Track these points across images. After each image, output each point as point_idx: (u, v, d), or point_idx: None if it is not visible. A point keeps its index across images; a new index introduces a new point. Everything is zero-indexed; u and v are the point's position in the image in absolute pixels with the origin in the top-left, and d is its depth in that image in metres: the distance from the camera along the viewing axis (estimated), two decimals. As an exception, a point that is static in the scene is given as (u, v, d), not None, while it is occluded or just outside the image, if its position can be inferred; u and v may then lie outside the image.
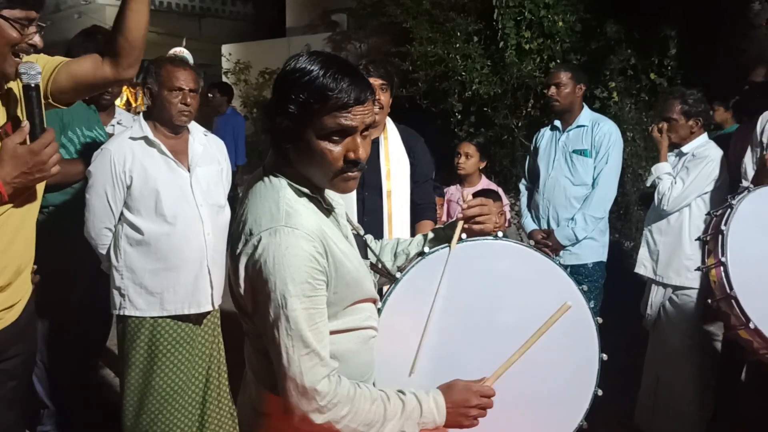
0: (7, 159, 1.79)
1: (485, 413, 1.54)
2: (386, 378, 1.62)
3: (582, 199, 3.70)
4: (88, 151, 3.22)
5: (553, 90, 3.74)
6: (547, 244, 3.70)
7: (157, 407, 2.82)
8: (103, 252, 2.82)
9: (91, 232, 2.79)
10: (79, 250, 2.92)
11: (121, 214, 2.77)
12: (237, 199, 1.62)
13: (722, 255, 1.96)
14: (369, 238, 1.86)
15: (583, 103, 3.82)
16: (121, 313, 2.81)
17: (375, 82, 3.00)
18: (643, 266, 3.63)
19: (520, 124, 5.87)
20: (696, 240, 2.20)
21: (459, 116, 6.11)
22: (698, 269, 2.09)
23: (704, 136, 3.52)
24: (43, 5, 1.89)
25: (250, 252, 1.40)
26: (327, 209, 1.54)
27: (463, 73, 5.80)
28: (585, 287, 1.75)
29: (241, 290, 1.44)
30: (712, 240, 2.03)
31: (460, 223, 1.73)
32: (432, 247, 1.74)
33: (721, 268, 1.96)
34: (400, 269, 1.74)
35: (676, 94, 3.56)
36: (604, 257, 3.75)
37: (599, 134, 3.69)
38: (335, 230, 1.52)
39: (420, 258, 1.72)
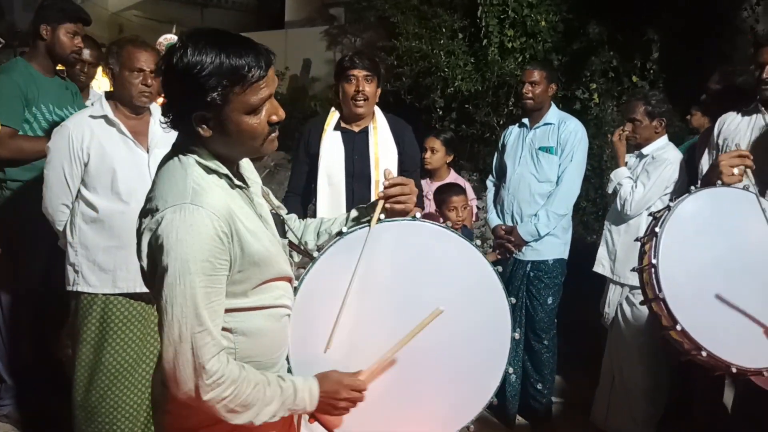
0: None
1: (354, 405, 1.57)
2: (301, 354, 1.65)
3: (546, 195, 3.72)
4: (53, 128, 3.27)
5: (527, 87, 3.76)
6: (509, 239, 3.73)
7: (107, 384, 2.84)
8: (60, 228, 2.86)
9: (49, 208, 2.82)
10: (40, 226, 2.95)
11: (78, 191, 2.80)
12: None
13: (654, 257, 1.97)
14: (291, 217, 1.90)
15: (552, 102, 3.85)
16: (75, 289, 2.84)
17: (359, 73, 3.08)
18: (602, 265, 3.66)
19: (501, 122, 5.88)
20: (635, 241, 2.21)
21: (441, 112, 6.12)
22: (633, 270, 2.11)
23: (664, 138, 3.55)
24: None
25: (154, 228, 1.41)
26: (239, 186, 1.56)
27: (446, 69, 5.82)
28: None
29: (144, 266, 1.47)
30: (648, 242, 2.04)
31: (380, 203, 1.75)
32: (352, 227, 1.77)
33: (652, 270, 1.97)
34: (320, 248, 1.77)
35: (639, 96, 3.60)
36: (565, 255, 3.78)
37: (565, 132, 3.72)
38: (246, 208, 1.54)
39: (338, 237, 1.75)
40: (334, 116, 3.22)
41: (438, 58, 5.84)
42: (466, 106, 5.97)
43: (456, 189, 3.77)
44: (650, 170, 3.45)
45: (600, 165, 5.72)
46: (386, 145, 3.14)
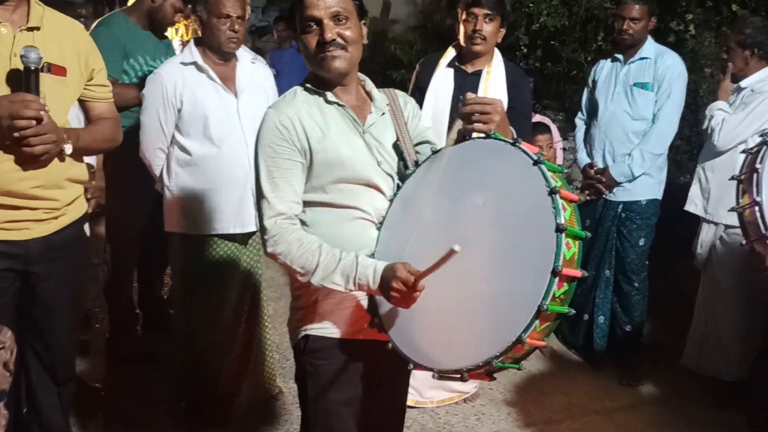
0: None
1: (402, 298, 1.61)
2: (383, 257, 1.75)
3: (641, 134, 3.58)
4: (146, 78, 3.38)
5: (627, 24, 3.56)
6: (600, 180, 3.63)
7: (205, 319, 2.97)
8: (157, 172, 2.97)
9: (146, 153, 2.93)
10: (146, 169, 3.07)
11: (173, 136, 2.89)
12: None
13: (757, 194, 1.88)
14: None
15: (648, 35, 3.65)
16: (172, 230, 2.96)
17: (479, 11, 2.99)
18: (694, 204, 3.52)
19: (589, 59, 5.62)
20: (730, 179, 2.10)
21: (525, 50, 5.91)
22: (732, 209, 2.01)
23: (765, 71, 3.30)
24: None
25: None
26: (337, 104, 1.80)
27: (531, 5, 5.59)
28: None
29: None
30: (746, 179, 1.94)
31: (457, 122, 1.73)
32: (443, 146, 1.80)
33: (756, 207, 1.88)
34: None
35: (740, 22, 3.35)
36: (659, 195, 3.65)
37: (662, 67, 3.53)
38: (336, 119, 1.79)
39: (431, 156, 1.81)
40: (450, 53, 3.18)
41: (523, -7, 5.62)
42: (552, 42, 5.73)
43: (541, 128, 3.69)
44: (747, 102, 3.26)
45: (696, 101, 5.40)
46: (496, 92, 3.05)
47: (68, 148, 2.08)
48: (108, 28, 3.39)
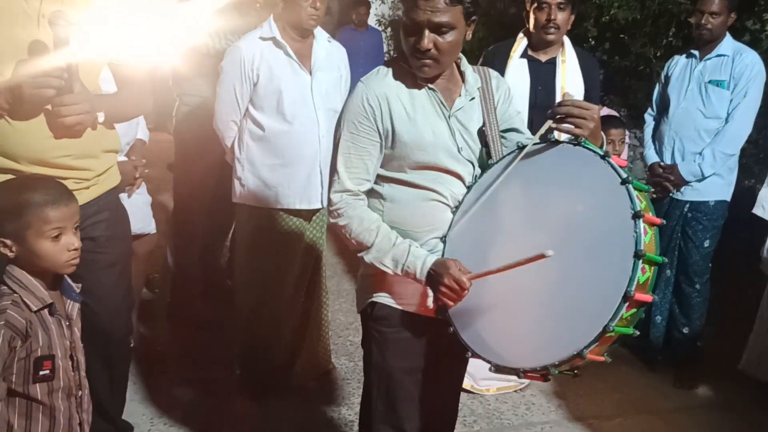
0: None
1: (450, 295, 1.66)
2: (454, 243, 1.81)
3: (713, 133, 3.49)
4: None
5: (706, 18, 3.47)
6: (668, 178, 3.56)
7: (266, 290, 3.03)
8: (228, 144, 3.03)
9: (219, 124, 2.99)
10: (214, 139, 3.13)
11: (246, 109, 2.94)
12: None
13: None
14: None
15: (727, 32, 3.56)
16: (240, 201, 3.02)
17: (553, 0, 2.97)
18: (762, 207, 3.43)
19: (658, 54, 5.51)
20: None
21: (593, 42, 5.81)
22: None
23: None
24: None
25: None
26: (430, 89, 1.81)
27: (602, -4, 5.50)
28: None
29: None
30: None
31: (548, 122, 1.68)
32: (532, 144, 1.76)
33: None
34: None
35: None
36: (728, 196, 3.57)
37: (740, 65, 3.44)
38: (424, 104, 1.80)
39: (516, 150, 1.77)
40: (521, 42, 3.16)
41: (594, -16, 5.51)
42: (621, 36, 5.63)
43: (615, 122, 3.64)
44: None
45: (766, 104, 5.27)
46: (574, 79, 3.06)
47: (101, 116, 2.00)
48: None
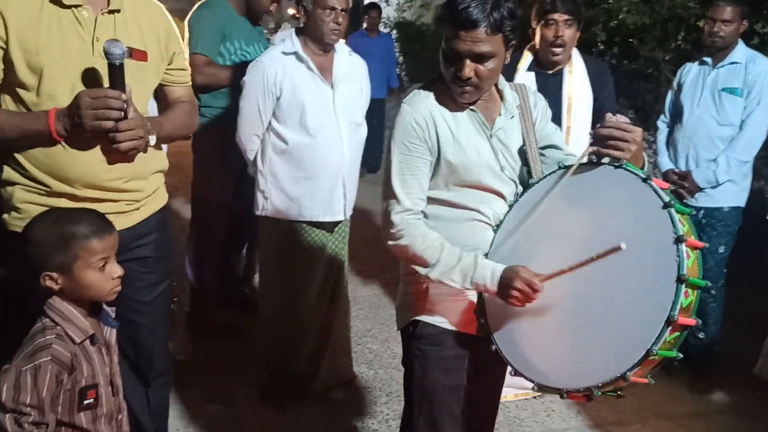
0: (72, 101, 1.83)
1: (522, 299, 1.67)
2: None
3: (727, 140, 3.52)
4: (242, 62, 3.48)
5: (718, 26, 3.51)
6: (683, 185, 3.60)
7: (291, 300, 3.08)
8: (251, 157, 3.06)
9: (242, 138, 3.02)
10: (231, 150, 3.16)
11: (269, 123, 2.97)
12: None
13: None
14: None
15: (739, 39, 3.59)
16: (263, 214, 3.06)
17: (560, 17, 2.98)
18: None
19: (667, 58, 5.55)
20: None
21: (602, 47, 5.86)
22: None
23: None
24: None
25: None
26: (471, 110, 1.86)
27: (611, 1, 5.53)
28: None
29: None
30: None
31: (588, 147, 1.70)
32: (572, 164, 1.77)
33: None
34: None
35: None
36: (742, 203, 3.60)
37: (754, 72, 3.47)
38: (466, 124, 1.84)
39: (557, 169, 1.79)
40: (527, 57, 3.18)
41: (602, -11, 5.56)
42: (630, 40, 5.67)
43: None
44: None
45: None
46: (581, 91, 3.07)
47: (152, 140, 1.99)
48: (210, 11, 3.51)
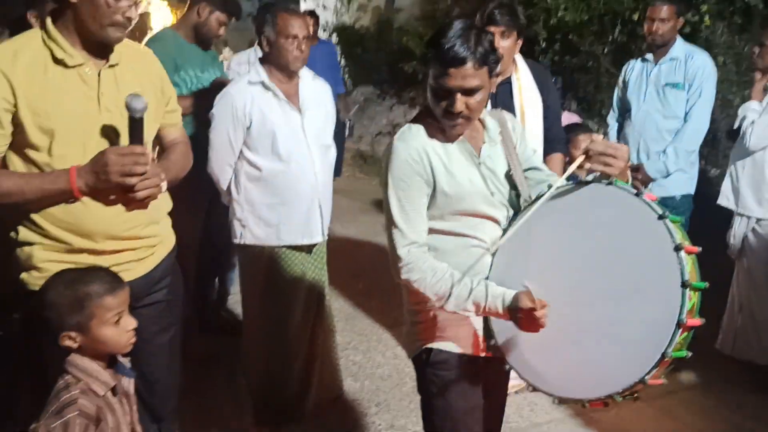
0: (93, 158, 1.90)
1: (529, 325, 1.73)
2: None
3: (674, 132, 3.74)
4: (199, 90, 3.54)
5: (656, 25, 3.71)
6: (636, 177, 3.79)
7: (275, 324, 3.13)
8: (224, 187, 3.09)
9: (214, 168, 3.06)
10: (198, 179, 3.18)
11: (241, 152, 3.01)
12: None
13: None
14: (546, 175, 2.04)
15: (677, 35, 3.80)
16: (242, 242, 3.10)
17: (496, 29, 2.97)
18: (726, 198, 3.68)
19: (606, 51, 5.80)
20: None
21: (544, 44, 6.07)
22: None
23: None
24: None
25: (387, 151, 1.93)
26: (459, 140, 1.92)
27: (549, 0, 5.74)
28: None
29: None
30: None
31: (579, 158, 1.77)
32: (561, 185, 1.84)
33: None
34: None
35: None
36: (692, 189, 3.83)
37: (693, 67, 3.69)
38: (457, 155, 1.91)
39: (549, 191, 1.84)
40: None
41: (540, -11, 5.76)
42: (570, 36, 5.89)
43: (582, 128, 3.84)
44: (777, 106, 3.42)
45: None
46: (531, 97, 3.18)
47: (164, 186, 2.07)
48: (159, 44, 3.48)
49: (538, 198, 1.87)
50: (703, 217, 4.01)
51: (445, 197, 1.89)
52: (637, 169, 3.80)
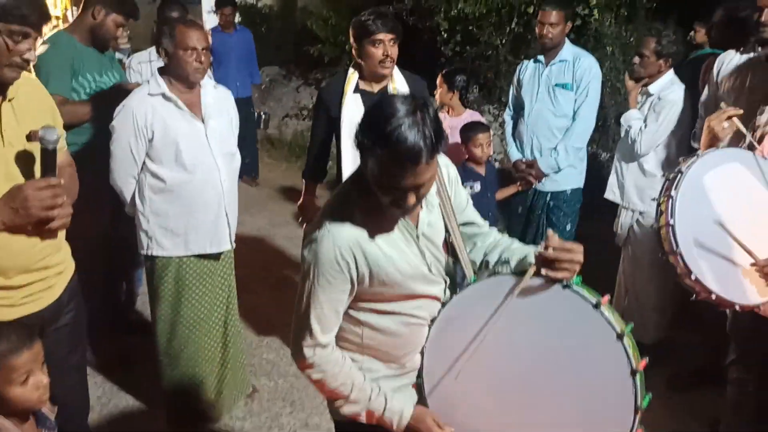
0: (8, 194, 1.90)
1: None
2: (432, 363, 1.85)
3: (563, 130, 3.98)
4: (98, 94, 3.47)
5: (546, 29, 3.91)
6: (530, 173, 4.03)
7: (187, 333, 3.19)
8: (128, 198, 3.08)
9: (117, 181, 3.04)
10: (101, 184, 3.14)
11: (144, 164, 3.00)
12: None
13: (671, 217, 2.18)
14: (487, 233, 1.99)
15: (566, 38, 4.03)
16: (149, 254, 3.10)
17: (386, 37, 3.09)
18: (612, 192, 3.96)
19: (504, 41, 6.02)
20: (652, 200, 2.44)
21: (445, 35, 6.23)
22: (652, 227, 2.34)
23: (669, 75, 3.72)
24: (42, 25, 1.96)
25: (312, 230, 1.72)
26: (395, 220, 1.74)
27: (450, -8, 5.90)
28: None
29: None
30: (664, 202, 2.25)
31: (531, 269, 1.67)
32: (511, 271, 1.80)
33: (670, 228, 2.19)
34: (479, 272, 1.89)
35: (654, 32, 3.76)
36: (581, 184, 4.10)
37: (580, 69, 3.93)
38: (392, 234, 1.73)
39: (492, 275, 1.81)
40: (353, 78, 3.25)
41: (440, -19, 5.90)
42: (470, 27, 6.07)
43: (482, 127, 3.99)
44: (657, 110, 3.65)
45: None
46: None
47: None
48: (55, 48, 3.39)
49: (483, 281, 1.80)
50: (594, 201, 4.28)
51: (383, 286, 1.73)
52: (531, 165, 4.03)
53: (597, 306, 1.61)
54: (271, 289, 4.77)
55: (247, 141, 7.01)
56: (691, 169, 2.26)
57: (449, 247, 1.87)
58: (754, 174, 2.33)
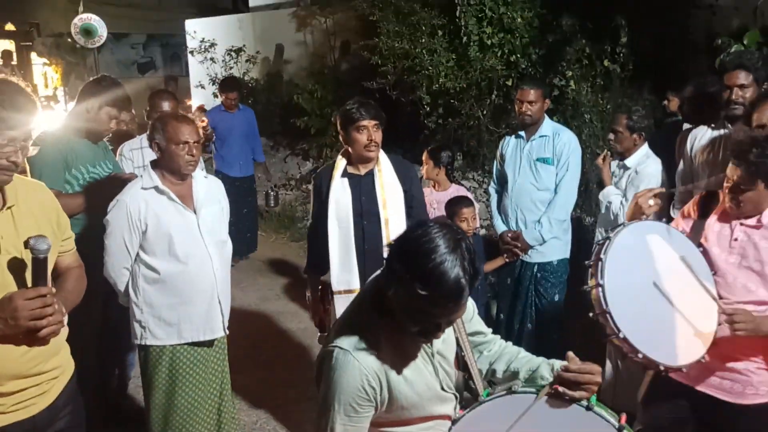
0: None
1: None
2: None
3: (546, 202, 4.08)
4: (92, 185, 3.53)
5: (526, 107, 4.06)
6: (516, 245, 4.11)
7: (181, 422, 3.18)
8: (122, 289, 3.12)
9: (111, 273, 3.09)
10: (94, 270, 3.18)
11: (138, 255, 3.06)
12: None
13: (601, 278, 2.30)
14: (491, 339, 2.02)
15: (545, 114, 4.17)
16: (143, 343, 3.13)
17: (369, 123, 3.24)
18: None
19: (485, 112, 6.20)
20: (585, 263, 2.54)
21: (428, 108, 6.42)
22: (582, 289, 2.42)
23: (644, 149, 3.86)
24: (27, 129, 1.99)
25: (328, 354, 1.72)
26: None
27: (430, 68, 6.09)
28: None
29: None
30: (594, 265, 2.37)
31: (546, 387, 1.72)
32: (525, 387, 1.80)
33: (600, 288, 2.30)
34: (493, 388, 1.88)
35: (624, 110, 3.92)
36: (567, 254, 4.17)
37: (560, 144, 4.06)
38: (411, 358, 1.74)
39: (506, 393, 1.80)
40: (341, 163, 3.40)
41: (421, 57, 6.10)
42: (452, 101, 6.26)
43: (466, 201, 4.10)
44: (636, 184, 3.76)
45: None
46: (392, 186, 3.37)
47: (65, 320, 2.08)
48: (46, 146, 3.44)
49: (497, 397, 1.80)
50: (582, 267, 4.34)
51: (401, 409, 1.75)
52: (516, 237, 4.12)
53: (620, 430, 1.65)
54: (263, 369, 4.73)
55: (249, 218, 7.17)
56: (619, 237, 2.41)
57: (460, 362, 1.87)
58: (669, 243, 2.50)
